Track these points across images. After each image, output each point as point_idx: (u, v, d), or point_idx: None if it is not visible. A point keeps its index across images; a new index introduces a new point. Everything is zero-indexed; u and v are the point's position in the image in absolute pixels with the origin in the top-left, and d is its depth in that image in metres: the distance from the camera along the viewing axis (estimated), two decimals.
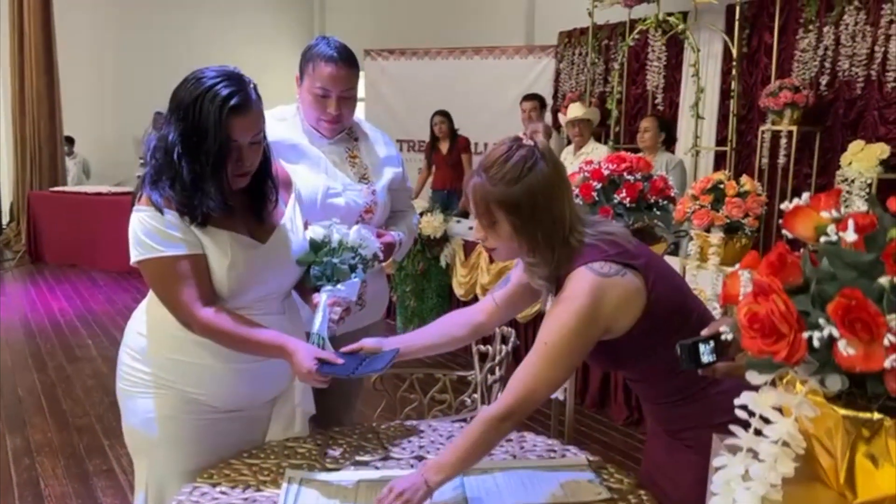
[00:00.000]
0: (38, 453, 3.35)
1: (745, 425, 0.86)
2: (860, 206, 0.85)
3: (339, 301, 1.68)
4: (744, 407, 0.84)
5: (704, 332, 1.14)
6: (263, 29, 11.12)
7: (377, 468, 1.62)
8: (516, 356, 4.18)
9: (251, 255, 1.62)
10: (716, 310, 0.96)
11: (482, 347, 2.43)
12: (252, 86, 1.56)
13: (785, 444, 0.78)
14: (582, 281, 1.34)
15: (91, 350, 4.93)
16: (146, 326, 1.66)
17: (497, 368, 2.31)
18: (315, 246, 1.72)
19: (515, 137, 1.41)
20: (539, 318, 4.20)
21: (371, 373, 1.64)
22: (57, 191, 8.43)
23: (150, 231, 1.54)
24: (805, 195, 0.82)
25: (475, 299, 4.77)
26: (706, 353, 1.11)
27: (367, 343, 1.63)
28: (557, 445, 1.74)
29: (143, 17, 10.18)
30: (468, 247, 4.85)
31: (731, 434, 1.13)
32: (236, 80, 1.53)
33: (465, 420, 2.09)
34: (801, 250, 0.87)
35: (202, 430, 1.65)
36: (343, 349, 1.61)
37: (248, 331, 1.57)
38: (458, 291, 4.90)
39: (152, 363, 1.64)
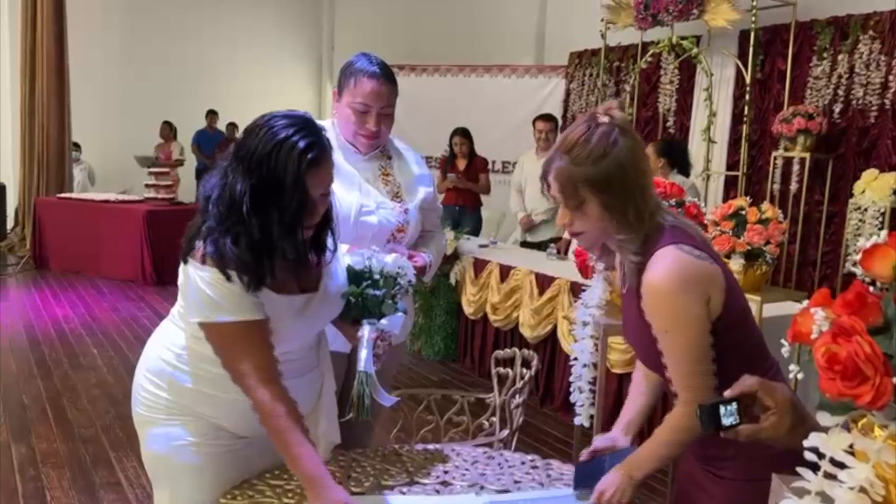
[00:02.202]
0: (44, 464, 3.31)
1: (814, 467, 0.83)
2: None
3: (382, 335, 1.65)
4: (814, 449, 0.82)
5: (727, 394, 1.11)
6: (274, 43, 11.18)
7: (402, 493, 1.59)
8: (536, 380, 4.15)
9: (305, 311, 1.55)
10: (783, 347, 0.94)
11: (501, 370, 2.40)
12: (324, 133, 1.48)
13: (862, 489, 0.76)
14: (668, 256, 1.31)
15: (96, 359, 4.89)
16: (179, 358, 1.58)
17: (518, 394, 2.27)
18: (355, 277, 1.66)
19: (590, 115, 1.37)
20: (548, 338, 4.17)
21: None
22: (63, 197, 8.40)
23: (216, 294, 1.43)
24: (883, 233, 0.80)
25: (484, 318, 4.75)
26: (727, 415, 1.08)
27: (600, 444, 1.61)
28: None
29: (155, 28, 10.25)
30: (478, 265, 4.84)
31: (769, 469, 1.11)
32: (311, 130, 1.44)
33: (489, 445, 2.06)
34: (873, 288, 0.85)
35: (228, 456, 1.61)
36: (582, 458, 1.60)
37: (294, 442, 1.45)
38: (468, 310, 4.87)
39: (181, 393, 1.58)
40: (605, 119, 1.36)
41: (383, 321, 1.66)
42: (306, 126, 1.44)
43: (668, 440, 1.40)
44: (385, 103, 1.97)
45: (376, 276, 1.66)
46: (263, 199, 1.40)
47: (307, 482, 1.45)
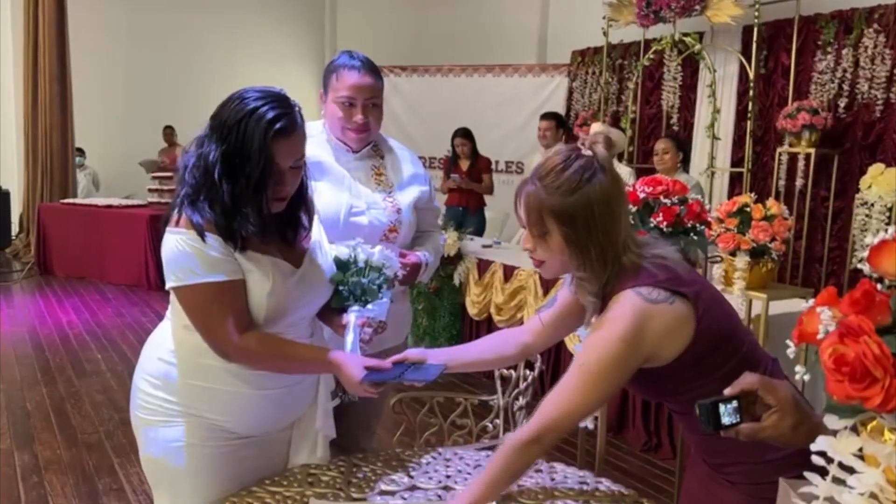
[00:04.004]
0: (47, 470, 3.30)
1: (822, 472, 0.81)
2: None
3: (368, 321, 1.65)
4: (821, 453, 0.79)
5: (727, 392, 1.08)
6: (275, 46, 11.17)
7: (404, 498, 1.56)
8: (542, 381, 4.14)
9: (289, 280, 1.57)
10: (789, 348, 0.91)
11: (505, 372, 2.37)
12: (297, 108, 1.52)
13: (872, 495, 0.73)
14: (627, 304, 1.29)
15: (100, 364, 4.88)
16: (173, 354, 1.60)
17: (521, 396, 2.25)
18: (341, 265, 1.70)
19: (574, 147, 1.36)
20: (560, 344, 4.14)
21: (418, 381, 1.60)
22: (67, 202, 8.41)
23: (190, 255, 1.48)
24: (891, 229, 0.78)
25: (488, 319, 4.72)
26: (727, 414, 1.05)
27: (412, 354, 1.60)
28: (589, 477, 1.68)
29: (156, 33, 10.24)
30: (482, 265, 4.81)
31: (780, 472, 1.09)
32: (282, 102, 1.48)
33: (492, 448, 2.03)
34: (881, 286, 0.82)
35: (226, 458, 1.60)
36: (389, 359, 1.58)
37: (291, 350, 1.56)
38: (472, 310, 4.84)
39: (178, 391, 1.58)
40: (588, 153, 1.34)
41: (370, 306, 1.67)
42: (277, 99, 1.48)
43: (503, 469, 1.34)
44: (369, 95, 1.94)
45: (361, 265, 1.68)
46: (232, 166, 1.46)
47: (328, 366, 1.56)
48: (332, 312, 1.72)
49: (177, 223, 1.50)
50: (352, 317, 1.65)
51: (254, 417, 1.61)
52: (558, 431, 1.33)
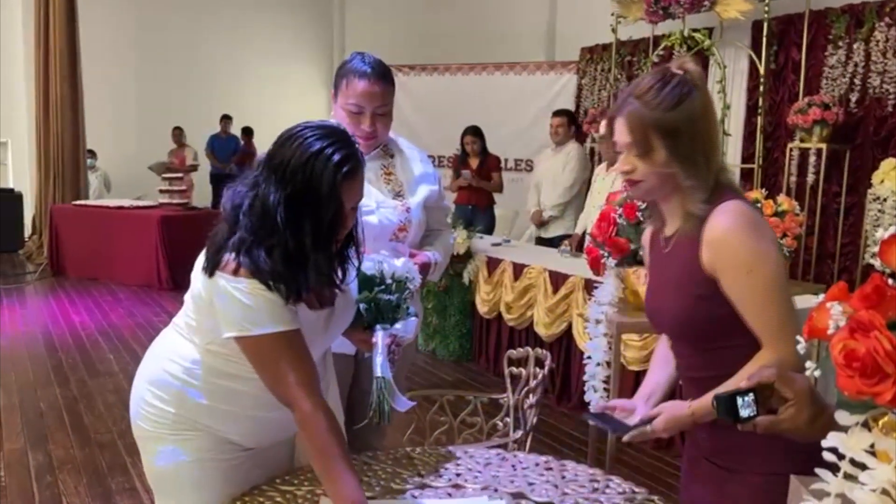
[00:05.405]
0: (60, 470, 3.33)
1: (833, 468, 0.80)
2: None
3: (396, 339, 1.62)
4: (833, 449, 0.79)
5: (744, 384, 1.08)
6: (284, 46, 11.21)
7: (414, 496, 1.57)
8: (552, 379, 4.13)
9: (328, 325, 1.54)
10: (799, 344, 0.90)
11: (514, 370, 2.37)
12: (358, 146, 1.46)
13: (884, 491, 0.72)
14: (737, 208, 1.33)
15: (112, 365, 4.92)
16: (189, 373, 1.54)
17: (531, 394, 2.25)
18: (366, 282, 1.64)
19: (665, 67, 1.39)
20: (563, 337, 4.13)
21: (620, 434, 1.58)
22: (79, 204, 8.47)
23: (260, 304, 1.39)
24: None
25: (498, 317, 4.72)
26: (744, 407, 1.05)
27: (618, 405, 1.57)
28: (600, 475, 1.67)
29: (166, 35, 10.31)
30: (491, 263, 4.81)
31: (786, 464, 1.08)
32: (345, 141, 1.42)
33: (503, 446, 2.03)
34: (892, 281, 0.81)
35: (233, 469, 1.58)
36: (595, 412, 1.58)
37: (335, 461, 1.40)
38: (482, 309, 4.84)
39: (195, 410, 1.54)
40: (679, 72, 1.37)
41: (397, 325, 1.63)
42: (340, 138, 1.43)
43: None
44: (379, 103, 1.92)
45: (388, 281, 1.63)
46: (298, 211, 1.38)
47: (340, 499, 1.40)
48: (353, 326, 1.67)
49: (235, 272, 1.39)
50: (379, 336, 1.61)
51: (266, 435, 1.59)
52: (796, 332, 1.24)
